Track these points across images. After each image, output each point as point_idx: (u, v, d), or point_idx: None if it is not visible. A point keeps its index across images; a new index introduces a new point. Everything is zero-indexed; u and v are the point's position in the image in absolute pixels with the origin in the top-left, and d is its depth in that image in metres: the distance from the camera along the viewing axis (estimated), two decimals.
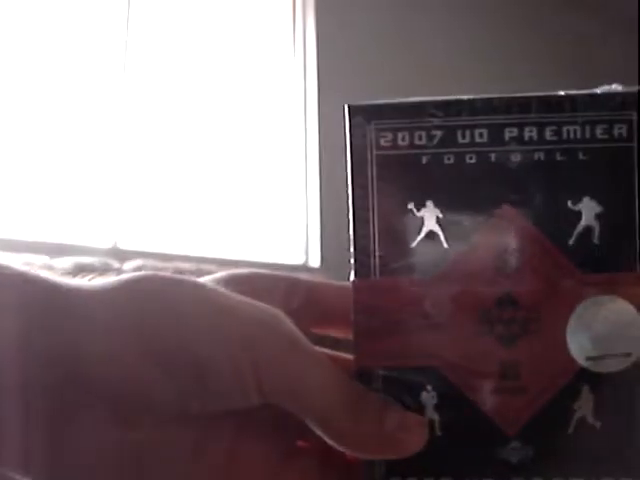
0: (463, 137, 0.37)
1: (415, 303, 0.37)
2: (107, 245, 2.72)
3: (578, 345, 0.37)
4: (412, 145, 0.37)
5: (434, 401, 0.37)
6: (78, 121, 2.72)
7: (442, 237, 0.37)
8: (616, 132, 0.37)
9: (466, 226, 0.37)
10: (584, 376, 0.36)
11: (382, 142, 0.38)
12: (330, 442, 0.35)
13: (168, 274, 0.36)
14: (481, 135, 0.37)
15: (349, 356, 0.38)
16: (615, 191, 0.37)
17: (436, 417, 0.37)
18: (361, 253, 0.37)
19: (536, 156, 0.37)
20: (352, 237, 0.38)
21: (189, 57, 2.98)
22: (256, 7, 3.15)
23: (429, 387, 0.37)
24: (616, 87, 0.37)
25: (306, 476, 0.38)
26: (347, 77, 2.97)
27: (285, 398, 0.35)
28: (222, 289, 0.36)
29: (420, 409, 0.37)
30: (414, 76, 3.01)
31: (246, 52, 3.11)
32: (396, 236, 0.37)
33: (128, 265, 2.00)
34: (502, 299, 0.37)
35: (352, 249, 0.38)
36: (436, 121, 0.37)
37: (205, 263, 2.22)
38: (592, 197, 0.37)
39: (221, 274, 0.39)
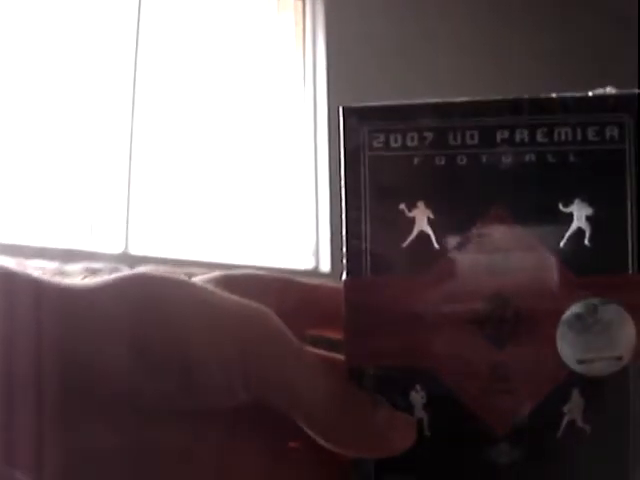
0: (454, 139, 0.37)
1: (406, 303, 0.37)
2: (117, 250, 2.72)
3: (568, 347, 0.36)
4: (404, 146, 0.38)
5: (423, 401, 0.37)
6: (89, 127, 2.73)
7: (433, 238, 0.37)
8: (608, 134, 0.37)
9: (457, 227, 0.37)
10: (574, 379, 0.36)
11: (375, 143, 0.38)
12: (318, 439, 0.35)
13: (159, 273, 0.36)
14: (472, 137, 0.37)
15: (341, 357, 0.38)
16: (606, 193, 0.37)
17: (425, 417, 0.37)
18: (353, 252, 0.38)
19: (527, 158, 0.37)
20: (344, 237, 0.38)
21: (201, 64, 2.99)
22: (266, 13, 3.16)
23: (418, 387, 0.37)
24: (610, 90, 0.37)
25: (297, 476, 0.38)
26: (357, 83, 2.97)
27: (272, 395, 0.35)
28: (211, 288, 0.36)
29: (409, 408, 0.37)
30: (422, 82, 3.01)
31: (257, 57, 3.12)
32: (387, 236, 0.37)
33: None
34: (492, 300, 0.37)
35: (344, 249, 0.38)
36: (428, 123, 0.37)
37: (215, 268, 2.21)
38: (583, 199, 0.37)
39: (214, 274, 0.39)
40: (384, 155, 0.38)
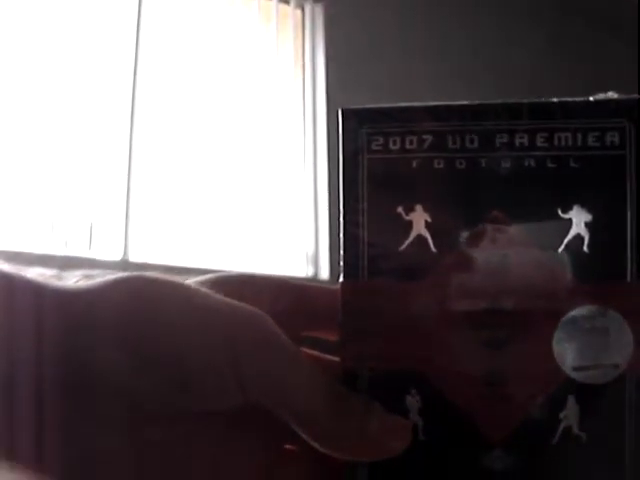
0: (453, 142, 0.37)
1: (402, 306, 0.37)
2: (117, 258, 2.72)
3: (565, 354, 0.36)
4: (403, 149, 0.37)
5: (418, 405, 0.36)
6: (89, 134, 2.74)
7: (430, 241, 0.37)
8: (608, 140, 0.37)
9: (455, 231, 0.37)
10: (570, 386, 0.36)
11: (373, 146, 0.38)
12: (312, 443, 0.35)
13: (154, 275, 0.36)
14: (472, 141, 0.37)
15: (336, 359, 0.38)
16: (606, 200, 0.36)
17: (420, 421, 0.36)
18: (350, 255, 0.37)
19: (527, 163, 0.37)
20: (342, 239, 0.38)
21: (201, 70, 3.00)
22: (266, 20, 3.17)
23: (414, 391, 0.37)
24: (612, 94, 0.37)
25: (295, 477, 0.38)
26: (356, 87, 2.97)
27: (267, 398, 0.35)
28: (205, 290, 0.36)
29: (404, 412, 0.36)
30: (421, 86, 3.02)
31: (256, 62, 3.12)
32: (385, 239, 0.37)
33: None
34: (490, 305, 0.37)
35: (341, 251, 0.38)
36: (427, 126, 0.37)
37: None
38: (582, 205, 0.36)
39: (209, 276, 0.39)
40: (383, 158, 0.38)
